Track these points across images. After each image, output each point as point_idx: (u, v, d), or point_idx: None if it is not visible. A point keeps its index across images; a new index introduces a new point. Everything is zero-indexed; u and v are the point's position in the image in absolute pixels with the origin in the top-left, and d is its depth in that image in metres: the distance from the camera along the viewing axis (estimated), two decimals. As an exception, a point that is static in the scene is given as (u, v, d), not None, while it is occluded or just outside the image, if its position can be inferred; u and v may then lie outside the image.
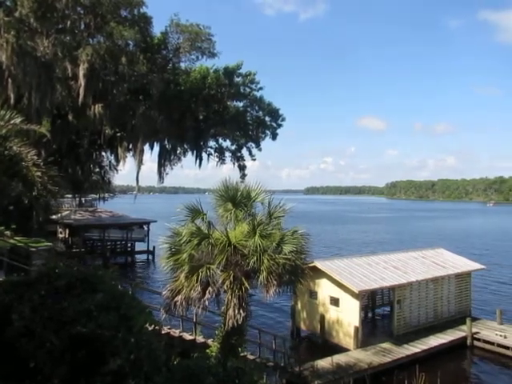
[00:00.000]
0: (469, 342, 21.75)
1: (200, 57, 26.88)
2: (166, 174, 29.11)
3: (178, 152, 30.66)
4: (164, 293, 11.50)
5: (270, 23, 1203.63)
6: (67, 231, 45.02)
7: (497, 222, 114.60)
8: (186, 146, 30.69)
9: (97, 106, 23.57)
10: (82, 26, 23.93)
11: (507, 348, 20.55)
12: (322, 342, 21.48)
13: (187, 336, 13.84)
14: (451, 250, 28.25)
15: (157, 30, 26.58)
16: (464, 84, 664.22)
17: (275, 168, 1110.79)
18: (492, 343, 21.18)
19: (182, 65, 27.89)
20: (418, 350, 19.74)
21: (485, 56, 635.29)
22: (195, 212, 11.86)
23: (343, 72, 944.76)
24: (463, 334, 21.97)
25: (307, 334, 23.57)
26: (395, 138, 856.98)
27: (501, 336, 21.25)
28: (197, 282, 10.76)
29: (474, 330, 21.94)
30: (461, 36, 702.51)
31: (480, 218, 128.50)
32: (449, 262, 25.38)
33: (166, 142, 29.30)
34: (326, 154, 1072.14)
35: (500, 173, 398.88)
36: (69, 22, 22.72)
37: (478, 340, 21.67)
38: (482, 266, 26.83)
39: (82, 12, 23.33)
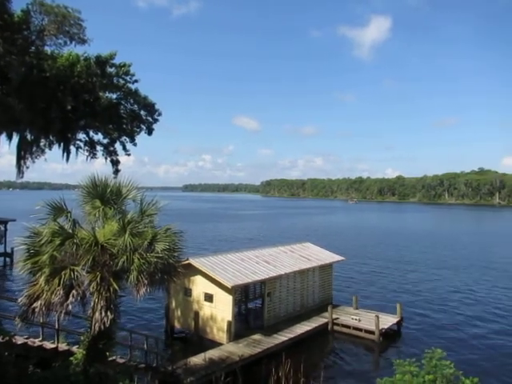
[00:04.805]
0: (330, 327, 23.98)
1: (68, 42, 24.67)
2: (27, 167, 26.13)
3: (41, 144, 27.82)
4: (20, 299, 10.41)
5: (143, 16, 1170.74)
6: None
7: (356, 218, 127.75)
8: (51, 138, 28.02)
9: None
10: None
11: (360, 330, 23.16)
12: (197, 339, 21.65)
13: (48, 344, 12.71)
14: (317, 244, 30.74)
15: (17, 7, 23.81)
16: (327, 91, 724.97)
17: (152, 164, 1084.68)
18: (349, 327, 23.66)
19: (48, 49, 25.42)
20: (285, 339, 21.09)
21: (345, 67, 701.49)
22: (58, 210, 10.95)
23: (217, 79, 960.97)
24: (325, 320, 24.13)
25: (182, 332, 23.51)
26: (269, 138, 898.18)
27: (356, 320, 23.84)
28: (59, 285, 9.95)
29: (334, 316, 24.22)
30: (323, 48, 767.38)
31: (342, 214, 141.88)
32: (314, 255, 27.58)
33: (27, 133, 26.38)
34: (204, 152, 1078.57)
35: (359, 174, 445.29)
36: None
37: (338, 325, 24.01)
38: (342, 258, 29.72)
39: None
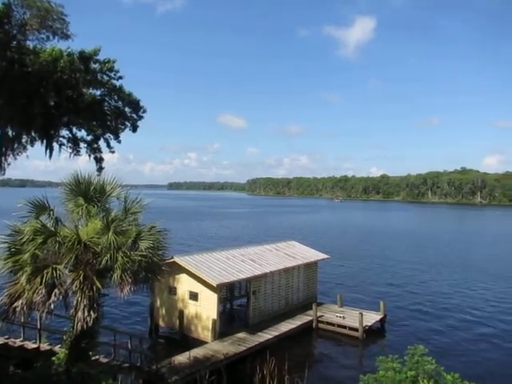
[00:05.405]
0: (314, 324, 24.11)
1: (51, 37, 24.26)
2: (9, 164, 25.68)
3: (23, 140, 27.32)
4: (0, 299, 10.24)
5: (127, 12, 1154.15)
6: None
7: (341, 216, 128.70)
8: (33, 135, 27.55)
9: None
10: None
11: (344, 327, 23.35)
12: (182, 338, 21.56)
13: (30, 344, 12.55)
14: (302, 242, 30.86)
15: (-3, 0, 23.27)
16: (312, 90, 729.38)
17: (137, 162, 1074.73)
18: (333, 324, 23.82)
19: (30, 44, 24.95)
20: (270, 337, 21.15)
21: (331, 67, 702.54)
22: (40, 207, 10.81)
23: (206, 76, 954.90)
24: (310, 318, 24.26)
25: (166, 331, 23.38)
26: (255, 137, 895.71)
27: (340, 317, 24.03)
28: (41, 284, 9.83)
29: (318, 313, 24.37)
30: (309, 47, 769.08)
31: (327, 213, 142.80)
32: (299, 253, 27.69)
33: (8, 129, 25.88)
34: (190, 150, 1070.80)
35: (344, 172, 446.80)
36: None
37: (322, 322, 24.15)
38: (327, 256, 29.89)
39: None
